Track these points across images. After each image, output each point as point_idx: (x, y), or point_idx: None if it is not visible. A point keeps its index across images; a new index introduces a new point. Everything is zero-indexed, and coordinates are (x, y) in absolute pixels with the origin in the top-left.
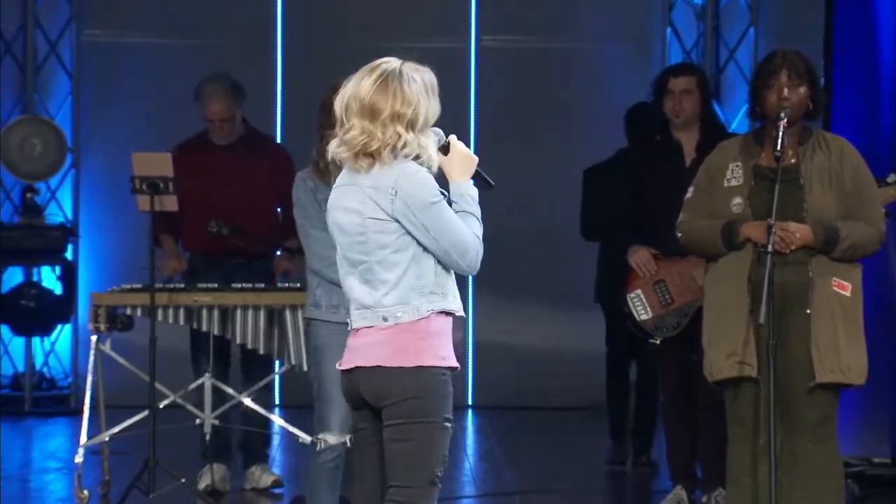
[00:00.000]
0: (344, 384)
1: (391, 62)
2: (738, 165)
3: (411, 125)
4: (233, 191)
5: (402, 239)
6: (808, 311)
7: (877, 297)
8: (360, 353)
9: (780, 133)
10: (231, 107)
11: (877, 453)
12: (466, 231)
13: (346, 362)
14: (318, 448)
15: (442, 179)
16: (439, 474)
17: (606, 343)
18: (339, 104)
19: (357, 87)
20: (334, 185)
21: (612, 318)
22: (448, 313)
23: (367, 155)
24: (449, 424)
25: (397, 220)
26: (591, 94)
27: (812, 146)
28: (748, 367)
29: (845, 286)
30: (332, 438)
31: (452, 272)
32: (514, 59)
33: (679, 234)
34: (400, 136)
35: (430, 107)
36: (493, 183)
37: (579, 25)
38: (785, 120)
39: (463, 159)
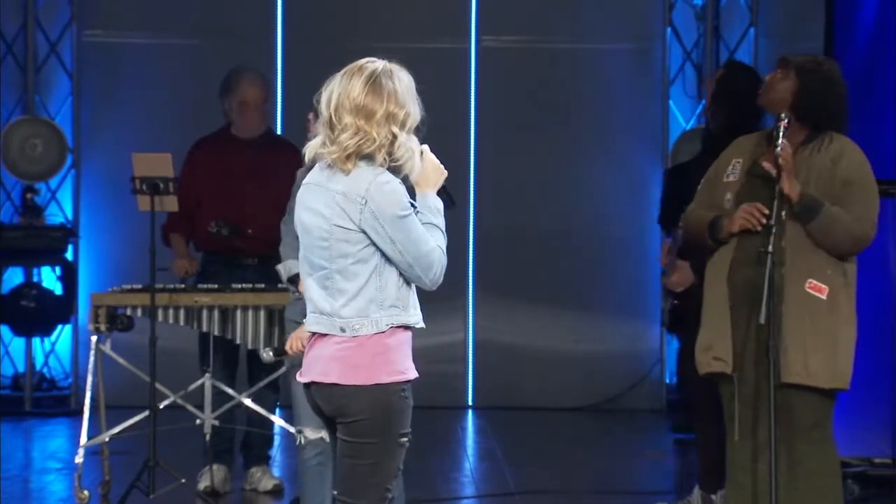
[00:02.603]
0: (307, 396)
1: (376, 62)
2: (739, 162)
3: (403, 126)
4: (252, 187)
5: (365, 250)
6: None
7: (877, 297)
8: (316, 367)
9: (780, 132)
10: (266, 95)
11: (877, 453)
12: (433, 245)
13: (304, 375)
14: (299, 443)
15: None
16: (389, 489)
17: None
18: (325, 104)
19: (348, 87)
20: (304, 182)
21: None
22: (407, 327)
23: (361, 157)
24: (405, 440)
25: (363, 231)
26: (592, 94)
27: (813, 147)
28: (723, 364)
29: (822, 289)
30: (309, 433)
31: (414, 285)
32: (515, 59)
33: (680, 224)
34: (395, 136)
35: (416, 109)
36: (455, 202)
37: (579, 26)
38: (786, 120)
39: (434, 171)
